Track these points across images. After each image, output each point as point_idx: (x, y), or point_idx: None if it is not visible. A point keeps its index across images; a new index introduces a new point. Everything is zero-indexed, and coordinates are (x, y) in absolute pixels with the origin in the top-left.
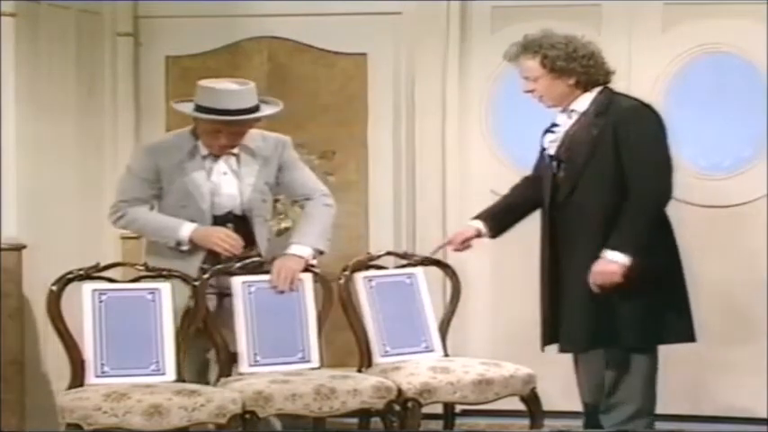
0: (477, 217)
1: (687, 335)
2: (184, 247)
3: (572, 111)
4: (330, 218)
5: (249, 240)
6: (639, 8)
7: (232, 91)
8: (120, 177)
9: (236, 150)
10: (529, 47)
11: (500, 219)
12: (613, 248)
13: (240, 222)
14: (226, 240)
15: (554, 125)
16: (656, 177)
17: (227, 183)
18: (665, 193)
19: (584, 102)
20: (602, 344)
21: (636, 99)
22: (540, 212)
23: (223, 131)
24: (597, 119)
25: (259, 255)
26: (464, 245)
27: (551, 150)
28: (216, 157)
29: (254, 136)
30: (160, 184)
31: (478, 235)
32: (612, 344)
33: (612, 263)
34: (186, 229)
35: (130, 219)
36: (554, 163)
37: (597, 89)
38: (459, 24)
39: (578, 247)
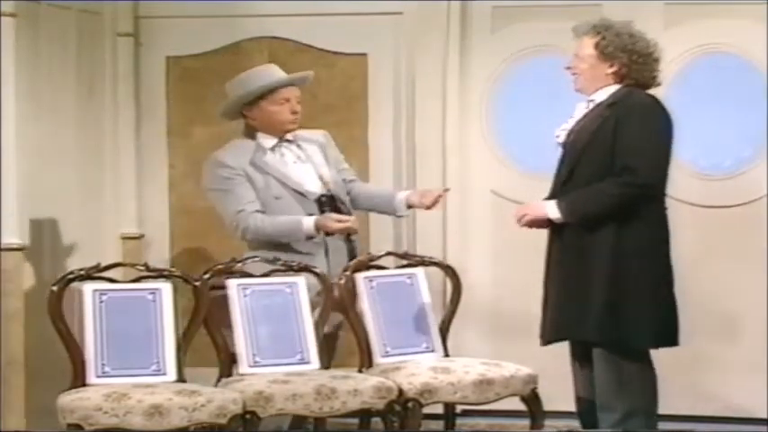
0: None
1: (641, 342)
2: (317, 239)
3: (591, 101)
4: None
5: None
6: (640, 8)
7: (269, 67)
8: (216, 197)
9: (291, 137)
10: (595, 27)
11: None
12: (558, 203)
13: (332, 203)
14: (341, 221)
15: (570, 117)
16: (639, 161)
17: (302, 169)
18: (640, 178)
19: (604, 93)
20: (571, 336)
21: (651, 96)
22: None
23: (291, 99)
24: (606, 110)
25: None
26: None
27: (561, 139)
28: (280, 147)
29: (300, 132)
30: (252, 184)
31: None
32: (578, 338)
33: (542, 208)
34: (308, 222)
35: (256, 227)
36: (561, 151)
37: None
38: (460, 24)
39: (568, 236)
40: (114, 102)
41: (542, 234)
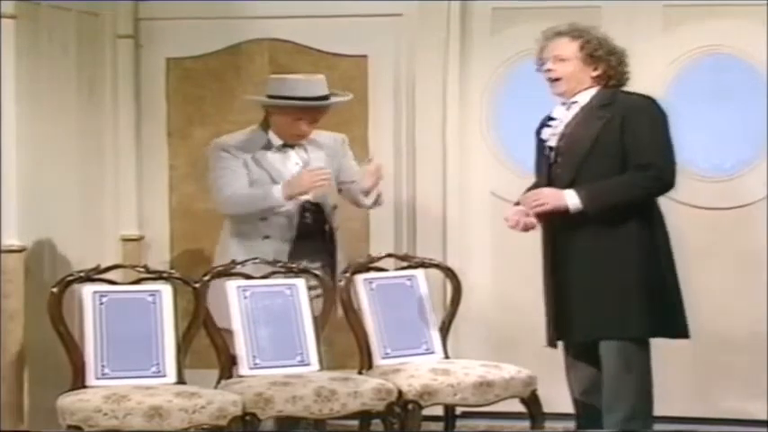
0: None
1: (683, 331)
2: (283, 208)
3: (573, 103)
4: None
5: (321, 230)
6: (639, 9)
7: (310, 80)
8: (212, 178)
9: (303, 141)
10: (572, 30)
11: None
12: (578, 191)
13: (316, 211)
14: (317, 176)
15: (550, 119)
16: (662, 159)
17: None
18: (667, 175)
19: (586, 95)
20: (598, 335)
21: (646, 95)
22: None
23: (304, 118)
24: (602, 111)
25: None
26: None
27: (551, 143)
28: (286, 147)
29: (318, 134)
30: (248, 174)
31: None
32: (607, 336)
33: (562, 197)
34: (277, 190)
35: (233, 200)
36: (552, 154)
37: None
38: (460, 26)
39: (576, 237)
40: (114, 103)
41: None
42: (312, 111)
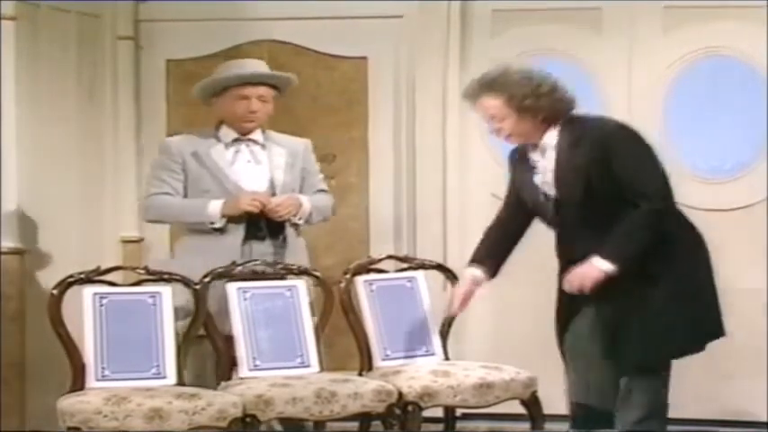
0: (473, 262)
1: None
2: (217, 225)
3: (544, 147)
4: (329, 208)
5: (277, 229)
6: (640, 10)
7: (254, 60)
8: (147, 174)
9: (261, 140)
10: (491, 86)
11: (497, 256)
12: (603, 255)
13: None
14: (255, 199)
15: (533, 167)
16: (647, 188)
17: (252, 170)
18: (656, 204)
19: (551, 137)
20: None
21: (605, 117)
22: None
23: (252, 96)
24: (575, 151)
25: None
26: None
27: (550, 192)
28: (238, 144)
29: (277, 134)
30: (185, 174)
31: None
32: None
33: (595, 268)
34: (215, 205)
35: (157, 207)
36: (550, 204)
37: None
38: (460, 27)
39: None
40: (114, 105)
41: (541, 235)
42: (257, 89)
